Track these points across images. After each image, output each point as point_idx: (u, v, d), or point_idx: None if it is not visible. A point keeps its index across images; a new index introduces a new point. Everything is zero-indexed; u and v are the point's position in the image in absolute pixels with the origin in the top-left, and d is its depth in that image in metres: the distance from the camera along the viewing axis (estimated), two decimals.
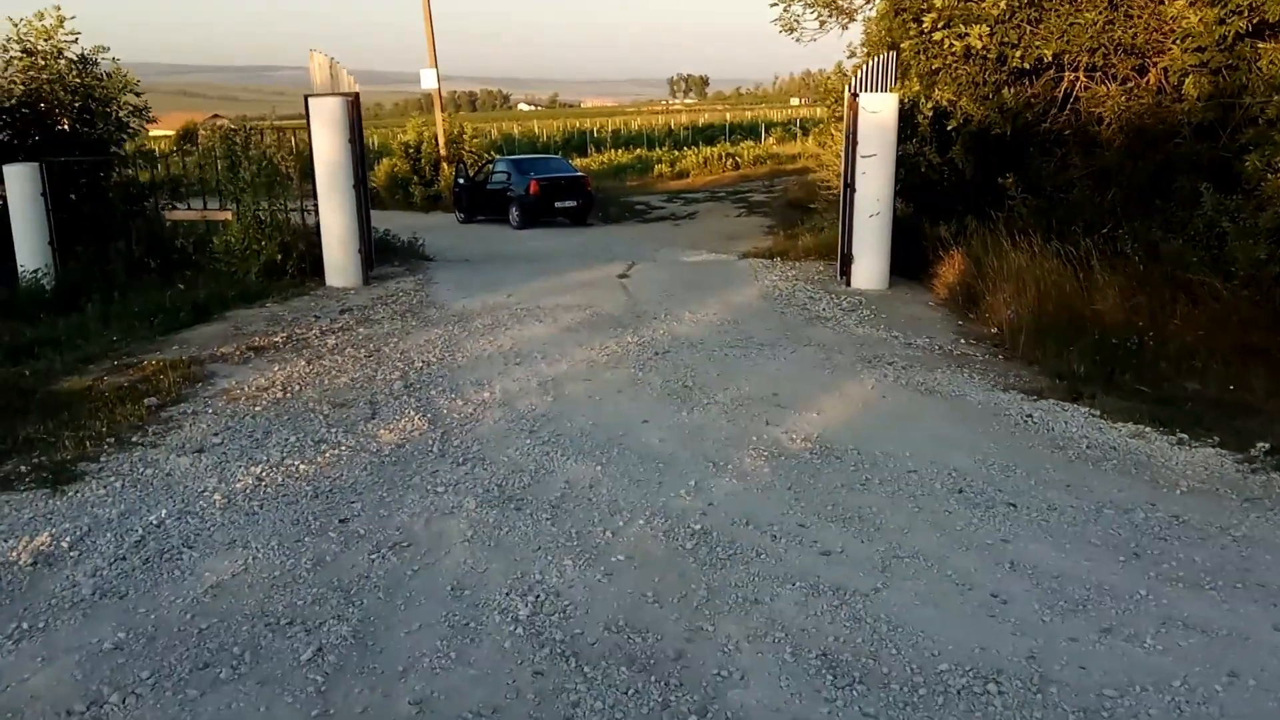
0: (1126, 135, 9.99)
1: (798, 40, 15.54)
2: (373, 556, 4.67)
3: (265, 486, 5.66)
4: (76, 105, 14.11)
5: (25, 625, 4.06)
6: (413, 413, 7.02)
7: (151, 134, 27.78)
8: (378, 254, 14.12)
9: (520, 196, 22.13)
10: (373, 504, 5.36)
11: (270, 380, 7.92)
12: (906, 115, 11.69)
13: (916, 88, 11.89)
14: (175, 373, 8.02)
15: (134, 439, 6.55)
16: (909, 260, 11.78)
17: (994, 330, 9.16)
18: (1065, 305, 8.43)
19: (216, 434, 6.63)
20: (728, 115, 68.71)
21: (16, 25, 13.66)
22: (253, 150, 11.94)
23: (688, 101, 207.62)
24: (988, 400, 7.13)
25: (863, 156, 11.06)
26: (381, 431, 6.65)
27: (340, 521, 5.11)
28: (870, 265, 11.32)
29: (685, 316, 10.08)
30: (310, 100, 11.66)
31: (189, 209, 12.38)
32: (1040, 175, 10.99)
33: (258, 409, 7.19)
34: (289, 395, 7.53)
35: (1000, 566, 4.43)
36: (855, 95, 11.20)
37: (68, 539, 4.90)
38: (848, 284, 11.50)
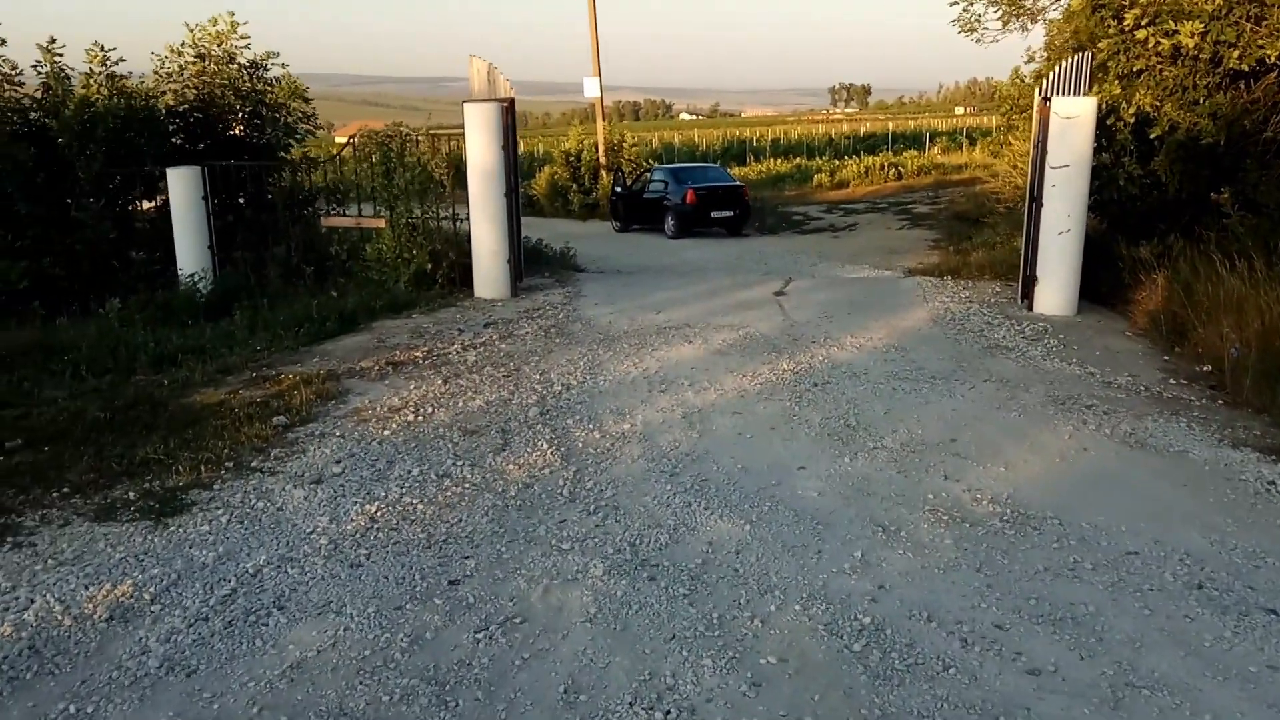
0: None
1: (978, 41, 14.18)
2: (478, 635, 3.89)
3: (378, 530, 4.99)
4: (247, 110, 14.12)
5: (74, 709, 3.43)
6: (545, 445, 6.27)
7: (337, 140, 28.31)
8: (529, 263, 13.58)
9: (676, 206, 21.40)
10: (488, 561, 4.60)
11: (404, 400, 7.33)
12: (1101, 122, 10.30)
13: (1116, 91, 10.47)
14: (309, 389, 7.52)
15: (254, 463, 6.02)
16: (1099, 283, 10.39)
17: (1208, 369, 7.77)
18: None
19: (339, 461, 6.04)
20: (890, 124, 66.39)
21: (192, 30, 13.73)
22: (408, 156, 11.52)
23: (849, 110, 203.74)
24: (1215, 460, 5.86)
25: (1052, 167, 9.76)
26: (510, 466, 5.91)
27: (449, 584, 4.36)
28: (1057, 288, 10.00)
29: (846, 341, 9.05)
30: (466, 106, 11.15)
31: (344, 215, 12.09)
32: (1260, 190, 9.45)
33: (386, 433, 6.59)
34: (420, 418, 6.90)
35: (1277, 710, 3.29)
36: (1046, 99, 9.91)
37: (152, 588, 4.32)
38: (1030, 308, 10.20)
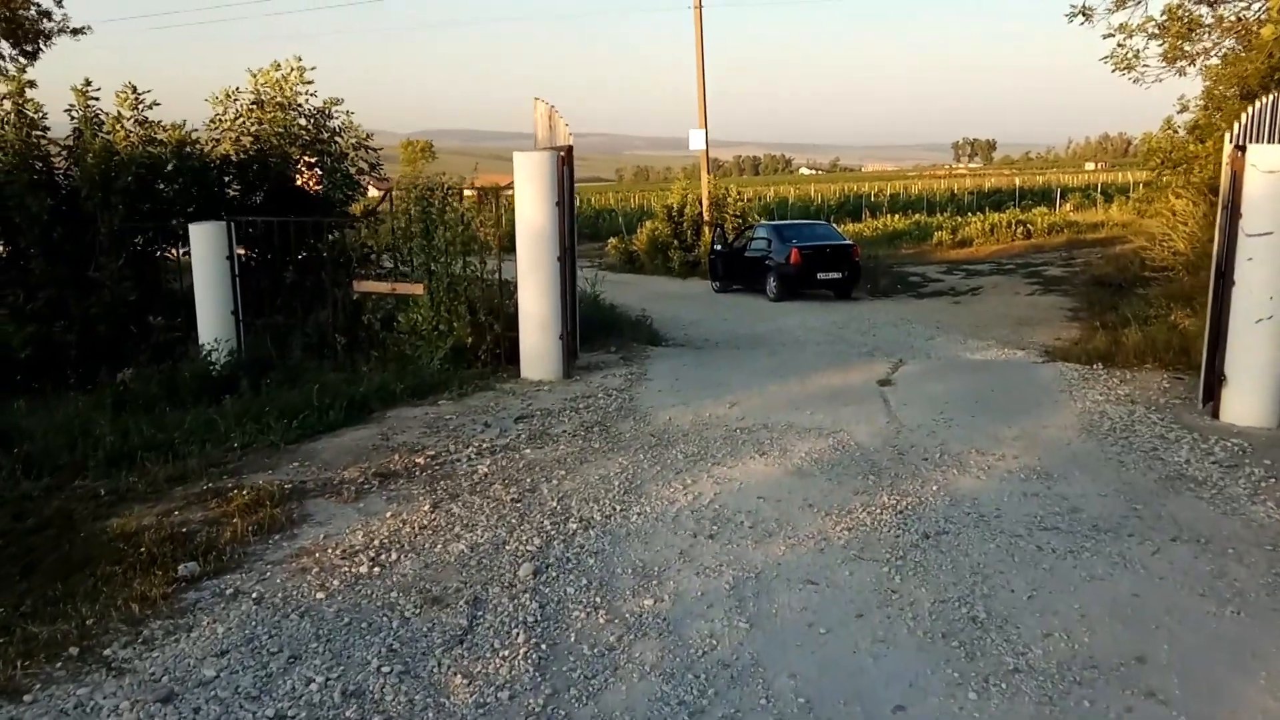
0: None
1: (1135, 81, 11.82)
2: None
3: None
4: (311, 161, 12.74)
5: None
6: (521, 636, 4.25)
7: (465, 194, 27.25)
8: (599, 333, 11.72)
9: (779, 266, 19.33)
10: None
11: (368, 537, 5.43)
12: None
13: None
14: (253, 515, 5.69)
15: (109, 649, 4.18)
16: None
17: None
18: None
19: (224, 653, 4.14)
20: (1016, 180, 62.92)
21: (255, 76, 12.43)
22: (448, 213, 9.78)
23: (972, 166, 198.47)
24: None
25: (1249, 235, 7.34)
26: (456, 679, 3.91)
27: None
28: (1254, 391, 7.51)
29: (969, 460, 6.77)
30: (516, 156, 9.37)
31: (378, 279, 10.37)
32: None
33: (319, 596, 4.68)
34: (376, 570, 4.98)
35: None
36: (1239, 148, 7.53)
37: None
38: (1214, 415, 7.74)
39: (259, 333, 10.20)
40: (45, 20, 19.03)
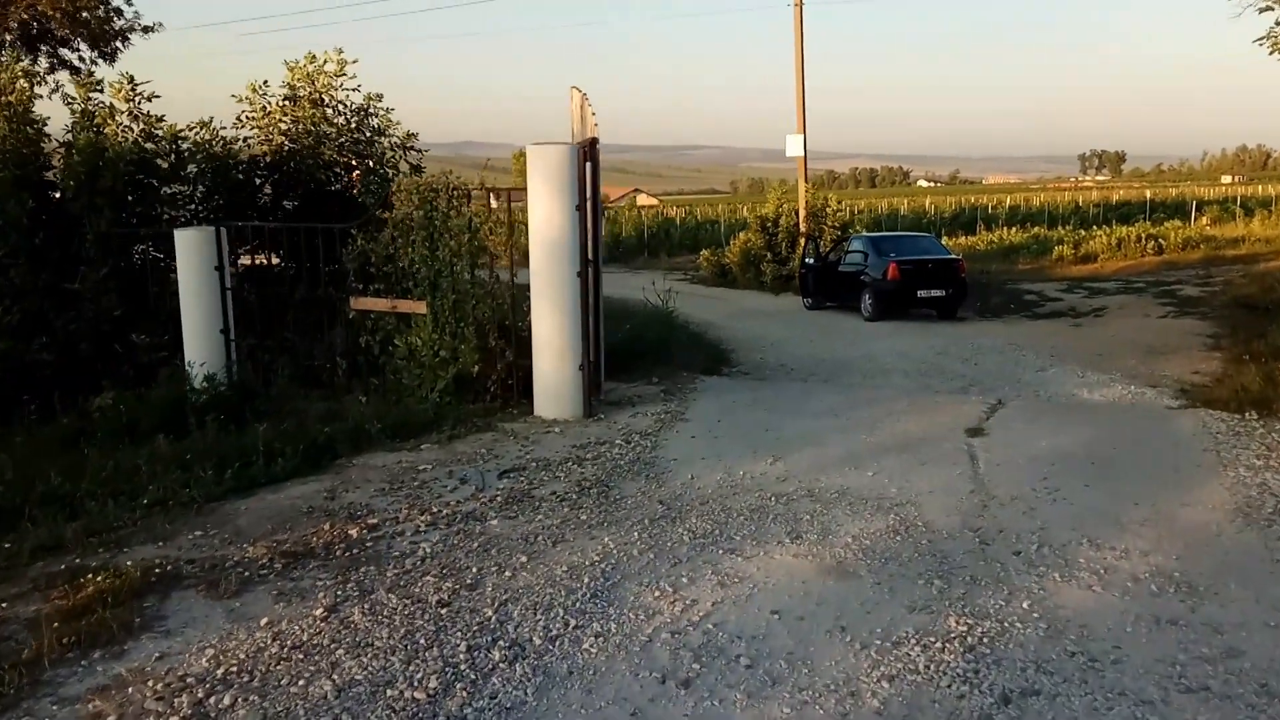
0: None
1: None
2: None
3: None
4: (352, 163, 11.52)
5: None
6: None
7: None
8: (649, 358, 10.07)
9: (875, 282, 17.28)
10: None
11: (214, 662, 3.89)
12: None
13: None
14: (83, 620, 4.23)
15: None
16: None
17: None
18: None
19: None
20: (1147, 193, 58.60)
21: (292, 70, 11.23)
22: (454, 220, 8.26)
23: (1099, 178, 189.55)
24: None
25: None
26: None
27: None
28: None
29: (1079, 557, 4.85)
30: (529, 149, 7.82)
31: (376, 296, 8.87)
32: None
33: None
34: None
35: None
36: None
37: None
38: None
39: (247, 355, 8.88)
40: (116, 18, 18.46)
